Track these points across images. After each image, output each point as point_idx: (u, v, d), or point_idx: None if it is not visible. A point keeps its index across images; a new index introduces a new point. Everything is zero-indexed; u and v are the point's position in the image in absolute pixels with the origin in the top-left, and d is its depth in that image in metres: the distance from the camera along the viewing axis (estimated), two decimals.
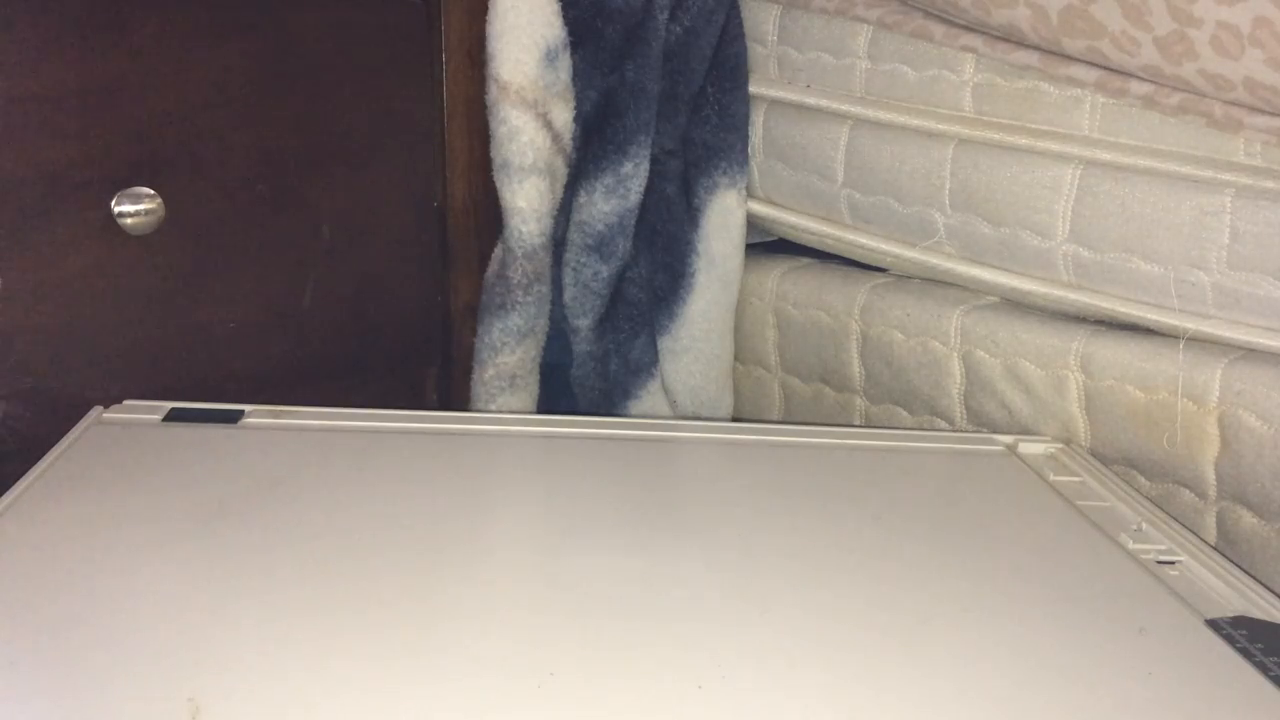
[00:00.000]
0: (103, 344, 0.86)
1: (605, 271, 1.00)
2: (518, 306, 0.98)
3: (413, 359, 1.06)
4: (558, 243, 1.01)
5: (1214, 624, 0.57)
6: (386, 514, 0.65)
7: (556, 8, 0.93)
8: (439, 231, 1.03)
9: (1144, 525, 0.70)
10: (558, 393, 1.05)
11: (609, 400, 1.05)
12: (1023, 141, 0.85)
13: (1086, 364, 0.83)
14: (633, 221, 1.00)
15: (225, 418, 0.75)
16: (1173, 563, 0.65)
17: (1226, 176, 0.76)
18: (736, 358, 1.10)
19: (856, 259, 1.01)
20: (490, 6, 0.92)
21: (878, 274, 1.00)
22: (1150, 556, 0.66)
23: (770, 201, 1.05)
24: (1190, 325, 0.79)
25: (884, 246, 0.97)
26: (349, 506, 0.65)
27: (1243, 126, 0.74)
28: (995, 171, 0.86)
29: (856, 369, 0.99)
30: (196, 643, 0.51)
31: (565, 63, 0.94)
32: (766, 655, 0.53)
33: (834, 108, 0.97)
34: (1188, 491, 0.80)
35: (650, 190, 1.01)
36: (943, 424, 0.94)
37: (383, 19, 0.95)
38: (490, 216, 1.01)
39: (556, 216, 0.99)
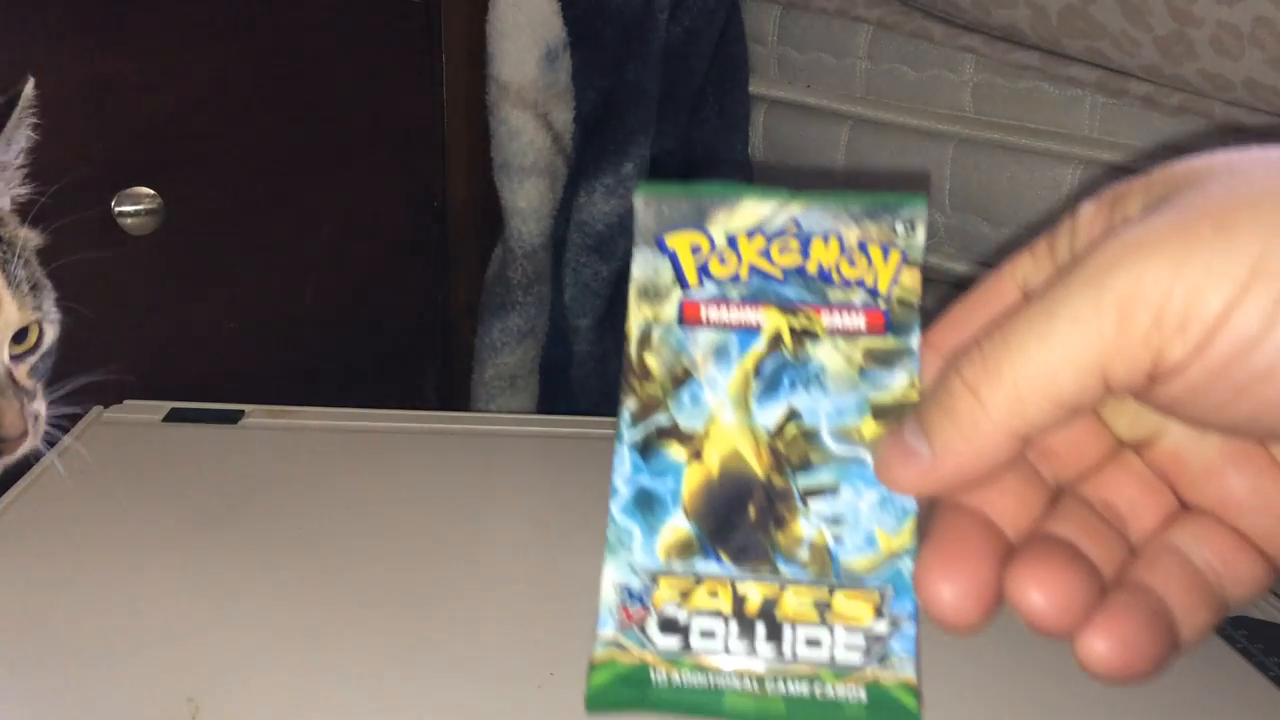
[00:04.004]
0: (103, 344, 0.86)
1: (605, 271, 1.00)
2: (518, 306, 0.98)
3: (413, 359, 1.06)
4: (558, 243, 1.01)
5: None
6: (386, 514, 0.65)
7: (556, 8, 0.93)
8: (439, 231, 1.03)
9: None
10: (558, 393, 1.05)
11: (609, 400, 1.05)
12: (1023, 141, 0.85)
13: None
14: (633, 221, 1.00)
15: (225, 418, 0.75)
16: None
17: None
18: None
19: None
20: (490, 6, 0.92)
21: None
22: None
23: None
24: None
25: None
26: (349, 506, 0.65)
27: (1243, 126, 0.74)
28: (995, 171, 0.86)
29: None
30: (196, 643, 0.51)
31: (565, 63, 0.94)
32: None
33: (834, 108, 0.97)
34: None
35: None
36: None
37: (383, 19, 0.95)
38: (490, 216, 1.01)
39: (556, 216, 0.99)
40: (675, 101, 1.02)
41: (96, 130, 0.82)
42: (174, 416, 0.75)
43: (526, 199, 0.95)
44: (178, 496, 0.65)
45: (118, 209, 0.84)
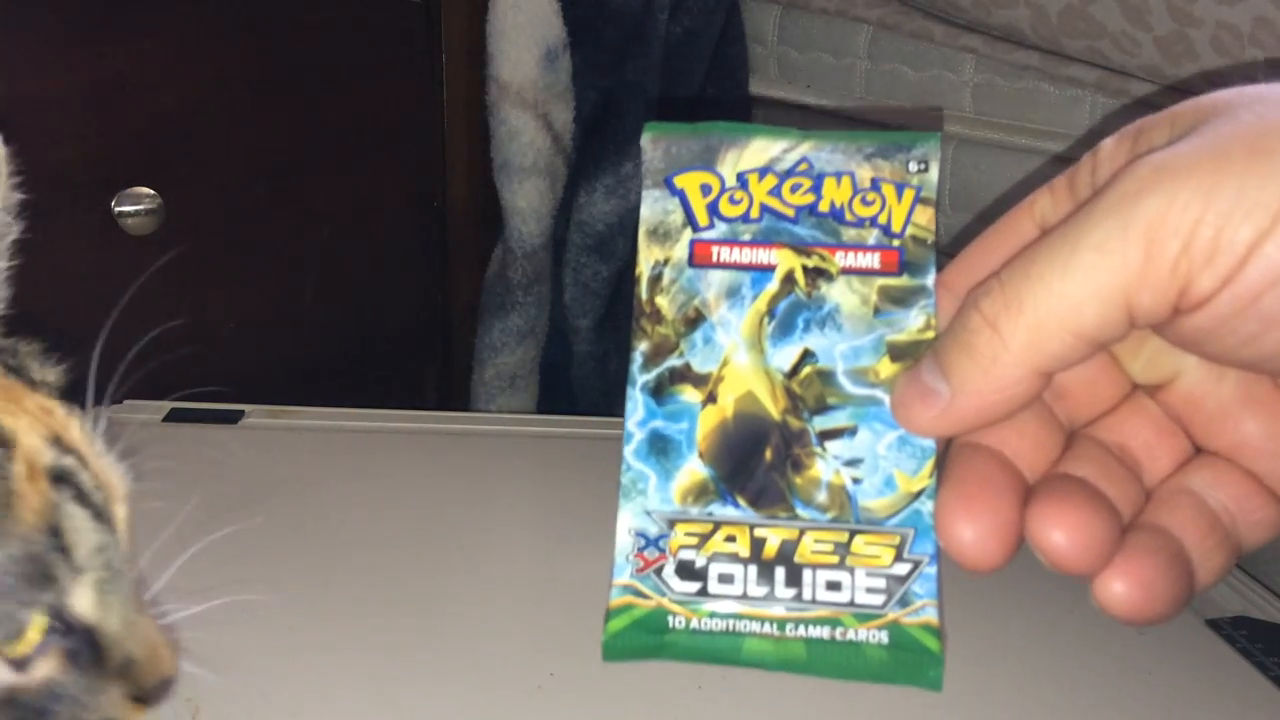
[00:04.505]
0: (103, 344, 0.86)
1: (605, 271, 1.00)
2: (518, 306, 0.98)
3: (413, 359, 1.06)
4: (558, 243, 1.01)
5: (1214, 624, 0.57)
6: (386, 514, 0.65)
7: (556, 8, 0.93)
8: (439, 231, 1.03)
9: None
10: (558, 393, 1.05)
11: (609, 400, 1.05)
12: (1023, 141, 0.85)
13: None
14: (633, 221, 1.00)
15: (225, 418, 0.75)
16: None
17: None
18: None
19: None
20: (490, 6, 0.92)
21: None
22: None
23: None
24: None
25: None
26: (349, 506, 0.65)
27: None
28: (995, 171, 0.86)
29: None
30: (196, 643, 0.51)
31: (565, 63, 0.94)
32: None
33: (834, 108, 0.97)
34: None
35: None
36: None
37: (383, 19, 0.95)
38: (490, 216, 1.01)
39: (556, 216, 0.99)
40: (675, 102, 1.02)
41: (96, 130, 0.82)
42: (174, 416, 0.75)
43: (526, 199, 0.95)
44: (178, 496, 0.65)
45: (118, 209, 0.84)
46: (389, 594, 0.56)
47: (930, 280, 0.33)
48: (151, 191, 0.85)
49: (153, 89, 0.85)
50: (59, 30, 0.80)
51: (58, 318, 0.86)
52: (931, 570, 0.31)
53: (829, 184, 0.34)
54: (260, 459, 0.71)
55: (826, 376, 0.32)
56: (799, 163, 0.34)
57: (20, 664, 0.34)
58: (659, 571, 0.32)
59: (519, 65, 0.92)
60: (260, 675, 0.49)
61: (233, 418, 0.75)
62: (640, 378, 0.33)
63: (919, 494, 0.31)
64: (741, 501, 0.32)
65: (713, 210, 0.34)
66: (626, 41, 0.97)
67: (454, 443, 0.75)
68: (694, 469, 0.32)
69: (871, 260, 0.33)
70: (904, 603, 0.31)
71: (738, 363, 0.33)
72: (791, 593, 0.31)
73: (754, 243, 0.33)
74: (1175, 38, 0.72)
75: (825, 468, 0.32)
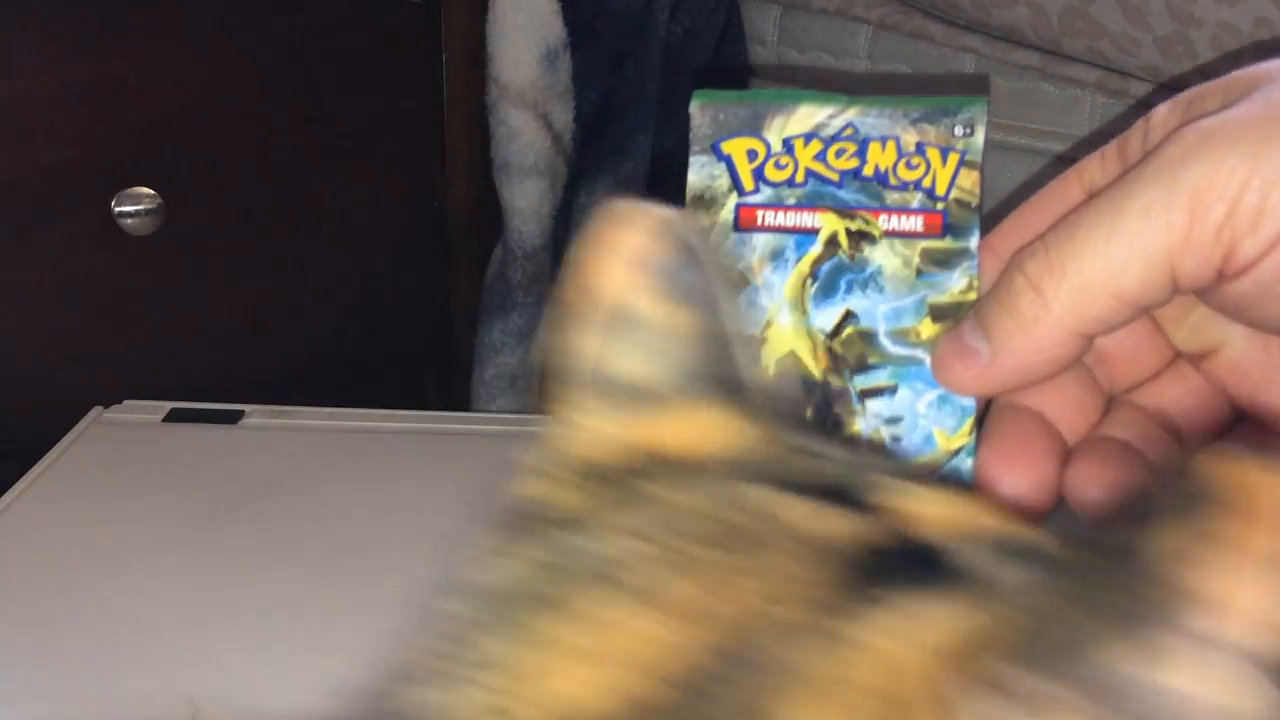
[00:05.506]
0: (103, 344, 0.86)
1: None
2: (518, 307, 0.98)
3: (413, 359, 1.06)
4: (558, 243, 1.01)
5: None
6: (386, 514, 0.65)
7: (556, 8, 0.93)
8: (439, 231, 1.03)
9: None
10: None
11: None
12: (1023, 141, 0.85)
13: None
14: None
15: (225, 418, 0.75)
16: None
17: None
18: None
19: None
20: (490, 6, 0.92)
21: None
22: None
23: None
24: None
25: None
26: (349, 506, 0.65)
27: None
28: (995, 171, 0.86)
29: None
30: (197, 643, 0.51)
31: (565, 63, 0.94)
32: None
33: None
34: None
35: (650, 191, 1.01)
36: None
37: (383, 19, 0.95)
38: (490, 216, 1.00)
39: (556, 216, 0.99)
40: (675, 101, 1.02)
41: (96, 130, 0.82)
42: (174, 416, 0.75)
43: (526, 199, 0.95)
44: (178, 496, 0.65)
45: (118, 209, 0.83)
46: (389, 594, 0.56)
47: (973, 243, 0.33)
48: (151, 191, 0.85)
49: (153, 89, 0.84)
50: (59, 30, 0.80)
51: (58, 318, 0.87)
52: None
53: (874, 148, 0.34)
54: (260, 459, 0.71)
55: (868, 337, 0.33)
56: (844, 128, 0.34)
57: None
58: None
59: (519, 65, 0.92)
60: (260, 674, 0.49)
61: (233, 418, 0.75)
62: None
63: (958, 451, 0.32)
64: None
65: (758, 175, 0.34)
66: (626, 41, 0.97)
67: (454, 443, 0.75)
68: None
69: (915, 223, 0.33)
70: None
71: (780, 324, 0.33)
72: None
73: (799, 206, 0.34)
74: (1175, 38, 0.72)
75: (865, 425, 0.32)
